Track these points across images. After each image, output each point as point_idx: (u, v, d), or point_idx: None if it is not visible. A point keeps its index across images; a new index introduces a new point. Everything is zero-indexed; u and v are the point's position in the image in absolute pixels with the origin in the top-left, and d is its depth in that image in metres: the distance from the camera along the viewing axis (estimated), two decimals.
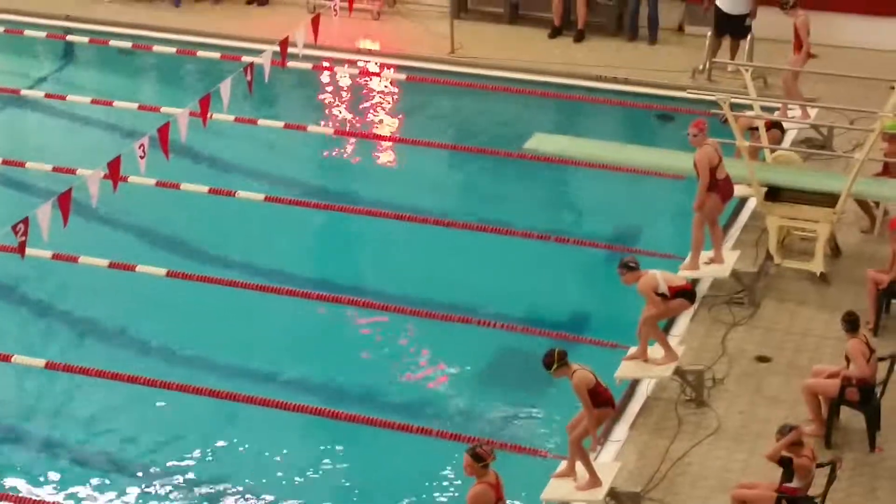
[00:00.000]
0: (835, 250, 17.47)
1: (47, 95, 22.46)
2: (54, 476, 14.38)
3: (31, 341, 16.51)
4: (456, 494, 14.04)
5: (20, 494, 14.03)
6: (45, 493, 14.11)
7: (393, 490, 14.18)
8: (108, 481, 14.29)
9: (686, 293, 14.84)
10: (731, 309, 16.42)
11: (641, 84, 22.19)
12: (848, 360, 14.18)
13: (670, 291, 14.71)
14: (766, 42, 22.10)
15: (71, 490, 14.18)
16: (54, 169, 19.55)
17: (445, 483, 14.26)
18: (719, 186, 16.35)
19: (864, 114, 18.87)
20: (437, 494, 14.13)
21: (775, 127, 18.44)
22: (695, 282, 16.80)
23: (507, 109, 21.97)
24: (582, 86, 22.30)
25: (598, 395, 13.20)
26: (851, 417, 14.34)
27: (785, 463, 12.78)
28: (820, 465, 13.04)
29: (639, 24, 23.79)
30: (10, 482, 14.24)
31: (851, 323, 14.22)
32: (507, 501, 12.32)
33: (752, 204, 18.29)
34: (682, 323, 16.22)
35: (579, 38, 23.85)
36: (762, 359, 15.63)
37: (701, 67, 22.14)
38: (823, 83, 21.16)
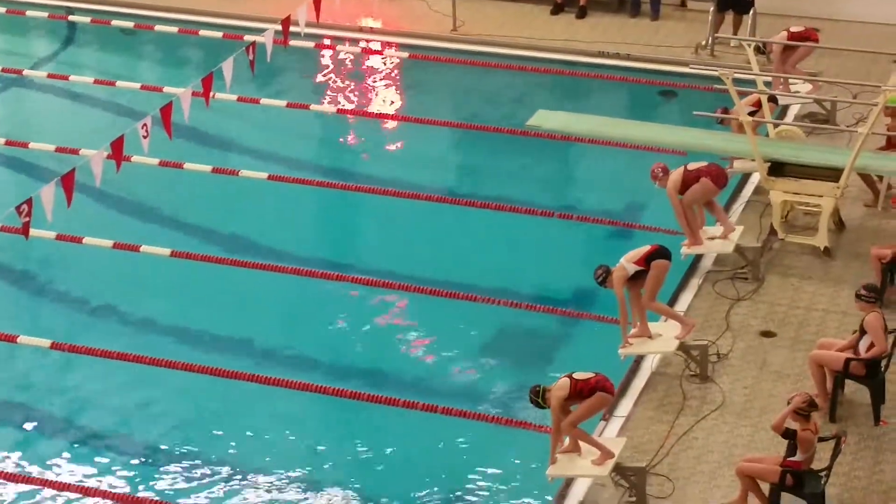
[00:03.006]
0: (838, 225, 17.46)
1: (50, 76, 22.45)
2: (60, 455, 14.41)
3: (36, 322, 16.53)
4: (464, 471, 14.07)
5: (23, 473, 14.05)
6: (48, 472, 14.14)
7: (400, 467, 14.21)
8: (112, 460, 14.33)
9: (655, 254, 14.75)
10: (735, 284, 16.42)
11: (644, 60, 22.16)
12: (861, 332, 14.15)
13: (640, 264, 14.69)
14: (769, 16, 22.06)
15: (73, 468, 14.22)
16: (57, 149, 19.55)
17: (452, 460, 14.28)
18: (699, 178, 16.30)
19: (868, 88, 18.84)
20: (443, 472, 14.16)
21: (770, 101, 18.38)
22: (698, 257, 16.84)
23: (509, 86, 21.94)
24: (584, 62, 22.28)
25: (580, 392, 13.19)
26: (856, 391, 14.36)
27: (789, 435, 12.81)
28: (824, 439, 13.06)
29: (641, 0, 23.74)
30: (14, 460, 14.25)
31: (873, 294, 14.20)
32: (511, 478, 12.36)
33: (755, 179, 18.28)
34: (686, 298, 16.24)
35: (581, 14, 23.80)
36: (766, 333, 15.64)
37: (704, 43, 22.11)
38: (826, 57, 21.14)
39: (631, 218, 18.10)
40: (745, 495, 12.95)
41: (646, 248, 14.80)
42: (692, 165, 16.46)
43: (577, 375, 13.19)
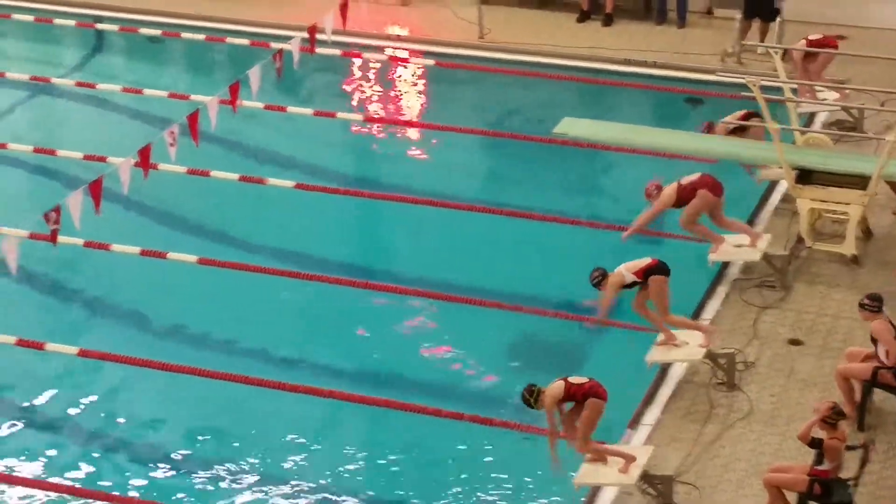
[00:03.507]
0: (866, 232, 17.40)
1: (78, 84, 22.53)
2: (85, 462, 14.45)
3: (64, 329, 16.57)
4: (491, 479, 14.06)
5: (48, 480, 14.09)
6: (74, 479, 14.17)
7: (426, 474, 14.20)
8: (138, 466, 14.35)
9: (654, 269, 14.76)
10: (763, 292, 16.38)
11: (670, 67, 22.14)
12: (875, 341, 14.12)
13: (638, 276, 14.71)
14: (796, 24, 22.01)
15: (99, 475, 14.25)
16: (85, 157, 19.62)
17: (478, 468, 14.26)
18: (695, 191, 16.30)
19: (895, 95, 18.77)
20: (469, 480, 14.14)
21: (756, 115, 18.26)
22: (725, 265, 16.80)
23: (535, 94, 21.93)
24: (611, 70, 22.27)
25: (573, 395, 13.21)
26: (885, 399, 14.30)
27: (816, 444, 12.77)
28: (852, 448, 13.01)
29: (667, 8, 23.73)
30: (36, 468, 14.30)
31: (876, 304, 14.17)
32: (538, 485, 12.33)
33: (783, 187, 18.23)
34: (714, 306, 16.20)
35: (608, 22, 23.81)
36: (794, 342, 15.59)
37: (730, 50, 22.07)
38: (854, 65, 21.06)
39: (657, 226, 18.03)
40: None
41: (646, 261, 14.81)
42: (686, 179, 16.45)
43: (573, 379, 13.25)
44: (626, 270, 14.73)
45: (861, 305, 14.32)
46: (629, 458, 13.25)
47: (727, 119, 17.75)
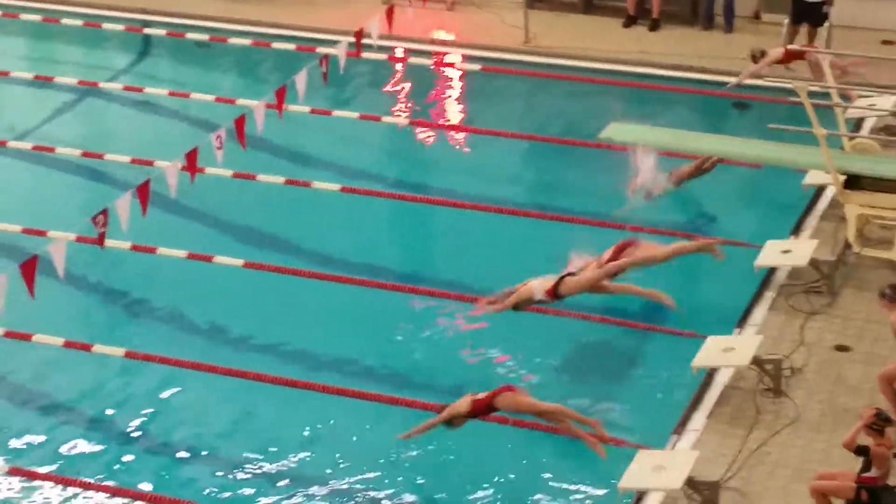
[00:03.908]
0: None
1: (125, 88, 22.65)
2: (129, 463, 14.50)
3: (111, 331, 16.66)
4: (534, 483, 14.04)
5: (97, 482, 14.15)
6: (121, 479, 14.22)
7: (471, 480, 14.17)
8: (183, 467, 14.39)
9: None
10: (810, 298, 16.28)
11: (717, 72, 22.04)
12: None
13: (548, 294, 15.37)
14: (844, 29, 21.89)
15: (145, 476, 14.30)
16: (133, 160, 19.72)
17: (522, 473, 14.24)
18: None
19: None
20: (513, 484, 14.12)
21: None
22: (772, 271, 16.70)
23: (581, 99, 21.90)
24: (657, 75, 22.22)
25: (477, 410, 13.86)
26: None
27: (862, 451, 12.68)
28: None
29: (714, 13, 23.65)
30: (86, 468, 14.37)
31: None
32: (583, 490, 12.26)
33: (830, 192, 18.12)
34: (761, 311, 16.12)
35: (654, 26, 23.75)
36: (841, 348, 15.49)
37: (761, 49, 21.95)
38: None
39: (704, 231, 17.99)
40: None
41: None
42: None
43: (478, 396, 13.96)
44: (538, 286, 15.48)
45: (882, 294, 14.21)
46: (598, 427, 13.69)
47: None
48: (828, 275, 16.47)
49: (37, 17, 24.73)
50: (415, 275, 17.49)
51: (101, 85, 22.69)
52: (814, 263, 16.50)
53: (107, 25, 24.48)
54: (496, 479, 14.16)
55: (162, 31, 24.24)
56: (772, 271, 16.79)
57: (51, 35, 24.98)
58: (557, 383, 15.52)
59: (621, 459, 13.63)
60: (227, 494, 14.05)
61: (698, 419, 14.51)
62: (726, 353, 14.80)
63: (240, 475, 14.30)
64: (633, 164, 17.81)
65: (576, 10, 24.50)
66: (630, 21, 23.92)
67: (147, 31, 24.49)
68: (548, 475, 14.20)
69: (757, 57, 19.81)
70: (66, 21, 24.51)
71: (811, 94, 17.15)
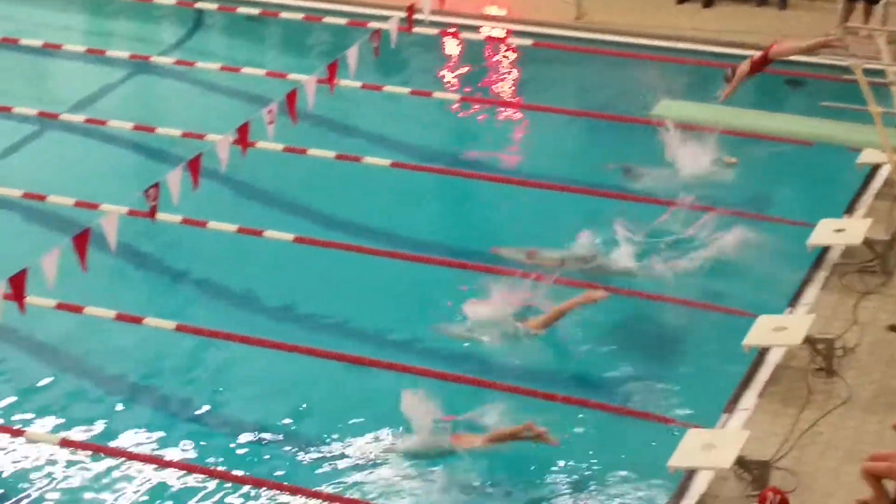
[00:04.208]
0: None
1: (177, 62, 22.70)
2: (180, 435, 14.53)
3: (162, 304, 16.71)
4: (584, 459, 14.00)
5: (147, 453, 14.22)
6: (170, 451, 14.27)
7: (520, 455, 14.14)
8: (231, 443, 14.40)
9: None
10: (863, 277, 16.15)
11: None
12: None
13: None
14: None
15: (194, 449, 14.33)
16: (184, 134, 19.77)
17: (571, 449, 14.19)
18: None
19: None
20: (562, 460, 14.08)
21: None
22: (826, 249, 16.57)
23: (633, 76, 21.77)
24: (710, 51, 22.06)
25: None
26: None
27: None
28: None
29: None
30: (135, 440, 14.43)
31: None
32: (632, 468, 12.16)
33: (885, 171, 17.96)
34: (813, 291, 16.01)
35: (708, 3, 23.60)
36: (895, 328, 15.36)
37: (833, 32, 21.75)
38: None
39: (756, 209, 17.86)
40: (880, 495, 12.67)
41: None
42: None
43: None
44: None
45: None
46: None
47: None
48: (882, 254, 16.32)
49: None
50: (465, 250, 17.44)
51: (153, 59, 22.74)
52: (868, 242, 16.36)
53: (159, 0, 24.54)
54: (541, 456, 14.10)
55: (213, 5, 24.26)
56: (825, 250, 16.66)
57: (103, 9, 25.07)
58: (609, 360, 15.46)
59: (671, 438, 13.57)
60: (279, 472, 14.06)
61: (749, 398, 14.42)
62: (778, 333, 14.70)
63: (295, 450, 14.29)
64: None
65: None
66: None
67: (199, 5, 24.50)
68: (595, 452, 14.15)
69: (728, 77, 19.50)
70: None
71: (866, 72, 16.98)
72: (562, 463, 14.04)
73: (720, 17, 23.10)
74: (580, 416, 14.50)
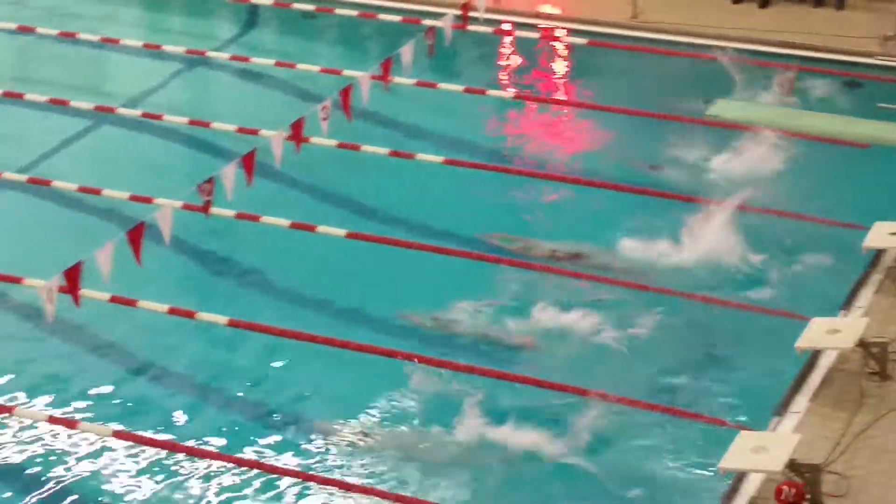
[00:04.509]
0: None
1: (232, 57, 22.79)
2: (232, 429, 14.61)
3: (214, 298, 16.80)
4: (635, 461, 13.97)
5: (199, 447, 14.29)
6: (223, 445, 14.35)
7: (572, 457, 14.13)
8: (278, 437, 14.45)
9: None
10: None
11: (828, 50, 21.74)
12: None
13: None
14: None
15: (239, 443, 14.39)
16: (239, 130, 19.85)
17: (622, 450, 14.16)
18: None
19: None
20: (611, 462, 14.06)
21: None
22: (880, 252, 16.45)
23: (689, 75, 21.69)
24: (766, 52, 21.94)
25: None
26: None
27: None
28: None
29: None
30: (188, 433, 14.52)
31: None
32: (683, 470, 12.16)
33: None
34: (867, 294, 15.90)
35: (764, 3, 23.46)
36: None
37: (891, 34, 21.60)
38: None
39: (811, 211, 17.74)
40: None
41: None
42: None
43: None
44: None
45: None
46: None
47: None
48: None
49: None
50: (522, 250, 17.40)
51: (209, 54, 22.85)
52: None
53: None
54: (589, 456, 14.08)
55: (269, 1, 24.34)
56: (879, 253, 16.53)
57: (160, 4, 25.21)
58: (660, 361, 15.41)
59: (722, 440, 13.51)
60: (327, 463, 14.10)
61: (801, 401, 14.34)
62: (831, 335, 14.61)
63: (344, 446, 14.32)
64: None
65: None
66: None
67: (254, 0, 24.60)
68: (645, 453, 14.12)
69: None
70: None
71: None
72: (612, 463, 14.01)
73: (776, 17, 22.96)
74: (631, 416, 14.46)
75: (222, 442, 14.42)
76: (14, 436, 14.52)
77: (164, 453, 14.18)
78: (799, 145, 18.94)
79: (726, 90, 20.63)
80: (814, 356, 14.90)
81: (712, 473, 13.31)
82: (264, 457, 14.17)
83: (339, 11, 23.71)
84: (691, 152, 19.26)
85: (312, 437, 14.45)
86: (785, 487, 12.09)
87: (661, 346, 15.67)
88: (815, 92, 21.12)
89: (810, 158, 18.82)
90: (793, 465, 13.06)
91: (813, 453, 13.40)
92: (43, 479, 13.98)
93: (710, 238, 17.00)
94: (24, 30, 23.64)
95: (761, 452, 13.11)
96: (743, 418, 14.19)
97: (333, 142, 18.68)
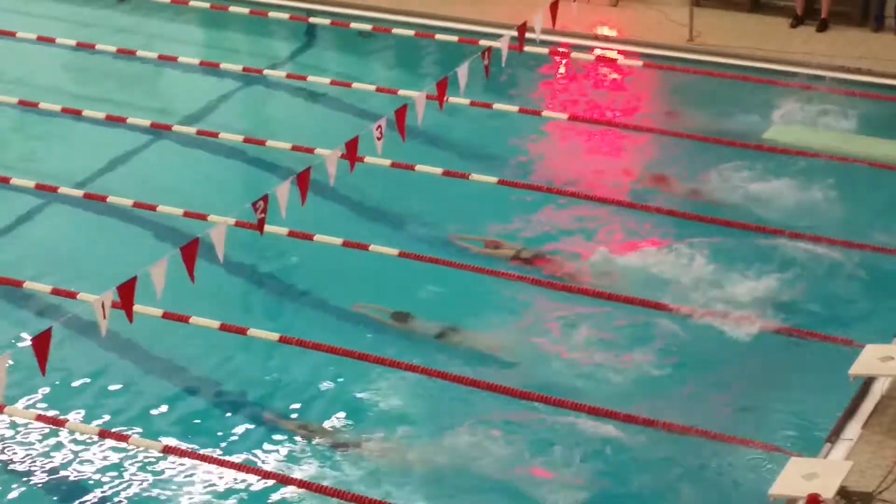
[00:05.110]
0: None
1: (288, 76, 22.90)
2: (283, 448, 14.65)
3: (267, 315, 16.85)
4: (682, 484, 13.89)
5: (250, 465, 14.33)
6: (274, 463, 14.38)
7: (615, 480, 14.07)
8: (329, 456, 14.46)
9: None
10: None
11: (887, 76, 21.60)
12: None
13: None
14: None
15: (291, 462, 14.43)
16: (293, 148, 19.93)
17: (668, 474, 14.10)
18: None
19: None
20: (658, 487, 13.99)
21: None
22: None
23: (746, 99, 21.59)
24: (824, 76, 21.82)
25: None
26: None
27: None
28: None
29: (885, 14, 23.16)
30: (239, 450, 14.56)
31: None
32: (734, 495, 12.08)
33: None
34: None
35: (822, 27, 23.34)
36: None
37: None
38: None
39: (867, 238, 17.61)
40: None
41: None
42: None
43: None
44: None
45: None
46: None
47: None
48: None
49: (205, 4, 25.11)
50: (572, 272, 17.35)
51: (265, 72, 22.97)
52: None
53: (273, 14, 24.78)
54: (635, 483, 14.00)
55: (326, 21, 24.46)
56: None
57: (218, 22, 25.36)
58: (711, 387, 15.33)
59: (773, 466, 13.42)
60: (387, 489, 14.10)
61: (853, 428, 14.23)
62: (885, 362, 14.48)
63: (402, 467, 14.32)
64: None
65: (742, 8, 24.17)
66: (797, 21, 23.54)
67: (312, 19, 24.72)
68: (695, 478, 14.04)
69: None
70: (233, 9, 24.86)
71: None
72: (662, 489, 13.95)
73: (834, 42, 22.83)
74: (681, 441, 14.39)
75: (273, 460, 14.45)
76: (66, 449, 14.61)
77: (213, 469, 14.23)
78: (855, 171, 18.81)
79: (783, 114, 20.52)
80: (867, 383, 14.78)
81: (763, 499, 13.20)
82: (313, 476, 14.19)
83: (396, 31, 23.78)
84: (746, 176, 19.16)
85: (369, 458, 14.41)
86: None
87: (713, 370, 15.59)
88: (872, 117, 21.00)
89: (866, 184, 18.67)
90: (844, 493, 12.96)
91: (864, 481, 13.30)
92: (93, 493, 14.06)
93: (761, 265, 16.91)
94: (84, 46, 23.85)
95: (812, 479, 13.02)
96: (795, 444, 14.09)
97: (387, 161, 18.72)
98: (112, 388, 15.59)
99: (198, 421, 15.07)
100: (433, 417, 14.95)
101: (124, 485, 14.12)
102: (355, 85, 22.11)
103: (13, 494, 14.11)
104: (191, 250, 14.05)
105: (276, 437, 14.84)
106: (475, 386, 15.16)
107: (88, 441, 14.68)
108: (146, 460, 14.39)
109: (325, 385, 15.61)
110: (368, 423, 14.94)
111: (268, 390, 15.60)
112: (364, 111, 21.32)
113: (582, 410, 14.71)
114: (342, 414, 15.13)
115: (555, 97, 22.29)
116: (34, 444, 14.71)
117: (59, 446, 14.66)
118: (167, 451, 14.44)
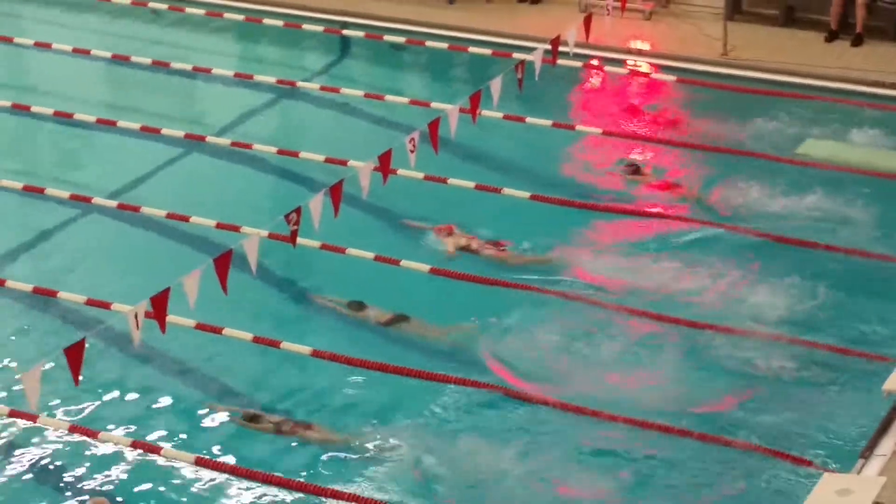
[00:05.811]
0: None
1: (322, 88, 22.96)
2: (317, 461, 14.64)
3: (299, 329, 16.86)
4: (709, 494, 13.85)
5: (284, 477, 14.34)
6: (307, 476, 14.37)
7: (641, 487, 14.03)
8: (364, 470, 14.43)
9: None
10: None
11: None
12: None
13: None
14: None
15: (327, 475, 14.43)
16: (326, 160, 19.98)
17: (697, 485, 14.05)
18: None
19: None
20: (687, 495, 13.95)
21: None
22: None
23: (779, 113, 21.54)
24: (858, 91, 21.76)
25: None
26: None
27: None
28: None
29: None
30: (274, 464, 14.56)
31: None
32: None
33: None
34: None
35: (857, 42, 23.28)
36: None
37: None
38: None
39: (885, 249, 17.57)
40: None
41: None
42: None
43: None
44: None
45: None
46: None
47: None
48: None
49: (240, 17, 25.23)
50: (603, 287, 17.32)
51: (299, 84, 23.04)
52: None
53: (306, 26, 24.86)
54: (678, 493, 13.98)
55: (360, 33, 24.53)
56: None
57: (252, 34, 25.47)
58: (745, 400, 15.27)
59: (806, 481, 13.36)
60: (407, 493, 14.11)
61: (887, 444, 14.15)
62: None
63: (430, 479, 14.30)
64: None
65: (776, 22, 24.13)
66: (832, 35, 23.48)
67: (345, 32, 24.79)
68: (727, 491, 13.99)
69: None
70: (267, 21, 24.96)
71: None
72: (694, 501, 13.91)
73: (869, 57, 22.77)
74: (715, 453, 14.35)
75: (305, 472, 14.45)
76: (97, 460, 14.65)
77: (244, 482, 14.24)
78: (889, 186, 18.74)
79: (816, 129, 20.47)
80: None
81: None
82: (347, 486, 14.19)
83: (429, 44, 23.83)
84: (779, 190, 19.12)
85: (405, 472, 14.38)
86: None
87: (747, 384, 15.53)
88: None
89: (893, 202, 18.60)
90: None
91: None
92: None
93: (795, 280, 16.87)
94: (119, 58, 23.97)
95: (846, 495, 12.94)
96: (828, 460, 14.03)
97: (420, 174, 18.73)
98: (144, 399, 15.61)
99: (231, 434, 15.07)
100: (470, 428, 14.94)
101: (155, 496, 14.13)
102: (388, 97, 22.15)
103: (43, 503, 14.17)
104: (224, 262, 14.08)
105: (307, 450, 14.83)
106: (488, 388, 15.14)
107: (120, 452, 14.71)
108: (178, 472, 14.40)
109: (359, 399, 15.56)
110: (406, 436, 14.89)
111: (299, 403, 15.58)
112: (397, 124, 21.36)
113: (633, 424, 14.69)
114: (369, 425, 15.06)
115: (588, 111, 22.28)
116: (65, 452, 14.75)
117: (91, 457, 14.69)
118: (199, 462, 14.45)
